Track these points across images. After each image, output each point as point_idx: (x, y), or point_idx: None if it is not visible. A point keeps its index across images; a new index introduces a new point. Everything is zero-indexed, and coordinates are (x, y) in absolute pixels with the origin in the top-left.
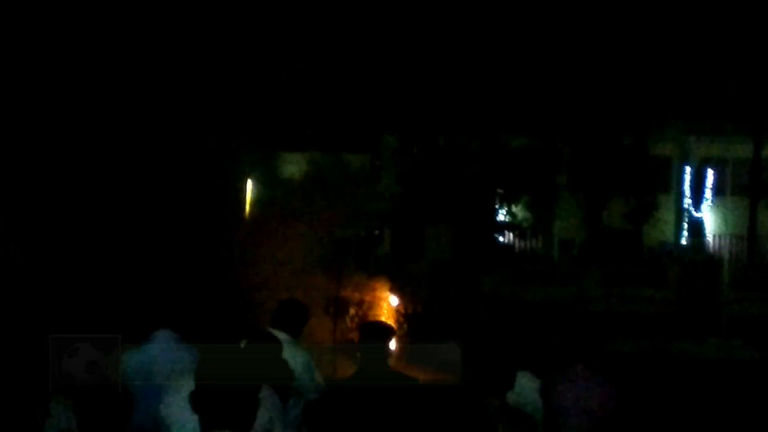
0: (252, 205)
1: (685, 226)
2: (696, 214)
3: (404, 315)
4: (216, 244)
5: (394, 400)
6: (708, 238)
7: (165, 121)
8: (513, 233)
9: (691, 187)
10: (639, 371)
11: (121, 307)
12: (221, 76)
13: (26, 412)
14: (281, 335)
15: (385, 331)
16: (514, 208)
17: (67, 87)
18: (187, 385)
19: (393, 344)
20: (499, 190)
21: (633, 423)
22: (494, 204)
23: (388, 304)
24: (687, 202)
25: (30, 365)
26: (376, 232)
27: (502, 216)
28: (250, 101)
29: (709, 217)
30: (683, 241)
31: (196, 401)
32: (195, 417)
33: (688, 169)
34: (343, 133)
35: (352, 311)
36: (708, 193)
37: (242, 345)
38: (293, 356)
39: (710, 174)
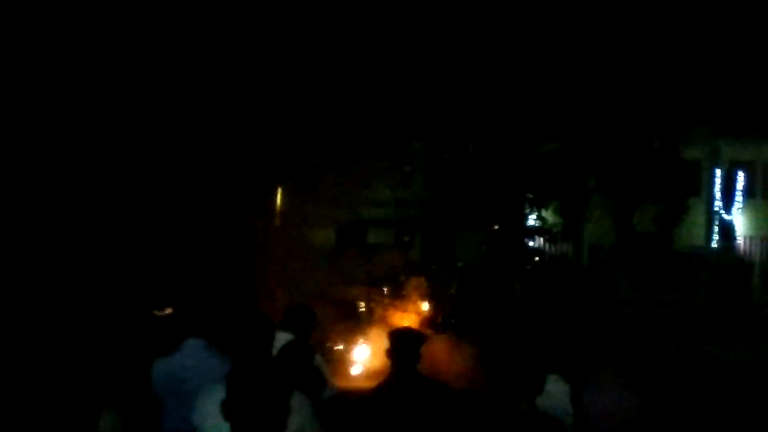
0: (281, 213)
1: (716, 229)
2: (726, 217)
3: (435, 321)
4: (246, 252)
5: (424, 407)
6: (738, 241)
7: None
8: (543, 238)
9: (721, 190)
10: (670, 374)
11: (151, 315)
12: (256, 88)
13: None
14: (286, 336)
15: (416, 338)
16: (544, 213)
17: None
18: (219, 393)
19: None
20: (529, 195)
21: (663, 425)
22: (524, 209)
23: (419, 310)
24: (717, 205)
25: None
26: (407, 238)
27: (532, 221)
28: (280, 111)
29: (739, 219)
30: (714, 244)
31: (228, 409)
32: (227, 425)
33: (718, 172)
34: (373, 140)
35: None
36: (738, 196)
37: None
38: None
39: (740, 177)
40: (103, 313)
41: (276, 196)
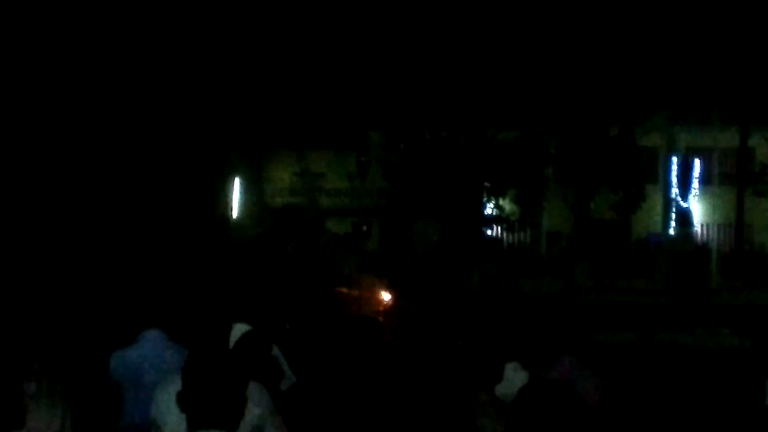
0: (240, 203)
1: (673, 216)
2: (683, 204)
3: (393, 310)
4: (203, 242)
5: (381, 396)
6: (696, 228)
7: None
8: (501, 226)
9: (678, 177)
10: (628, 361)
11: (108, 306)
12: (209, 76)
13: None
14: (244, 327)
15: (372, 327)
16: (501, 202)
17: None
18: (176, 385)
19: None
20: (487, 184)
21: (622, 413)
22: (481, 198)
23: (377, 300)
24: (674, 192)
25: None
26: (364, 227)
27: (489, 209)
28: (236, 100)
29: (696, 206)
30: (671, 231)
31: (183, 400)
32: (184, 417)
33: (675, 159)
34: (330, 130)
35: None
36: (695, 183)
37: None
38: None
39: (697, 164)
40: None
41: (231, 185)
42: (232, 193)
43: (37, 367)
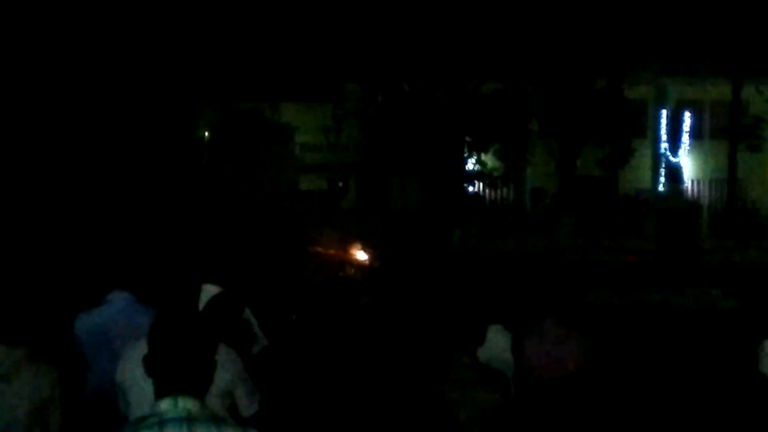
0: (210, 156)
1: (663, 171)
2: (673, 159)
3: (371, 269)
4: (172, 196)
5: (359, 360)
6: (686, 184)
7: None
8: (483, 183)
9: (667, 131)
10: (615, 322)
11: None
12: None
13: None
14: (213, 288)
15: (349, 288)
16: (483, 157)
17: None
18: (143, 349)
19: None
20: (468, 138)
21: (609, 376)
22: (463, 153)
23: (354, 260)
24: (664, 146)
25: None
26: (340, 184)
27: (471, 165)
28: (205, 50)
29: (687, 161)
30: (661, 188)
31: (150, 364)
32: (150, 382)
33: (664, 112)
34: (304, 82)
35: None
36: (685, 137)
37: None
38: None
39: (687, 117)
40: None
41: (203, 137)
42: (202, 145)
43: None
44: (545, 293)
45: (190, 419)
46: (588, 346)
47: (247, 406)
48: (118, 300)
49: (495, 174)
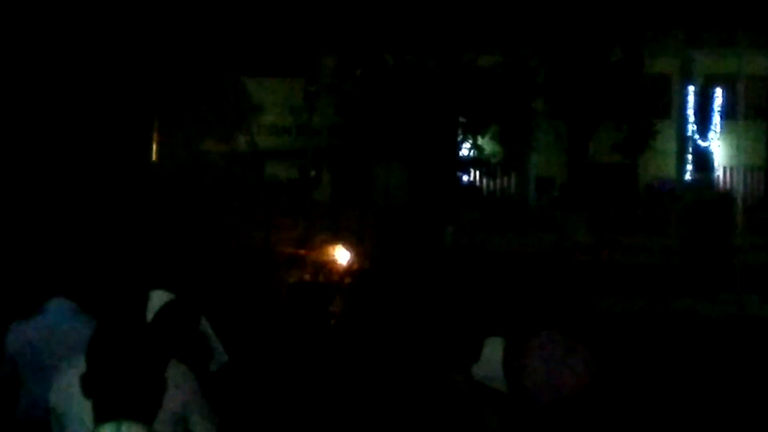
0: (161, 144)
1: (690, 158)
2: (702, 143)
3: (349, 274)
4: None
5: (333, 377)
6: (717, 172)
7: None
8: (479, 171)
9: (695, 110)
10: (634, 334)
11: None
12: None
13: None
14: (163, 295)
15: (321, 294)
16: (480, 141)
17: None
18: (81, 366)
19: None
20: (462, 119)
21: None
22: (456, 136)
23: (329, 262)
24: (691, 128)
25: None
26: (313, 173)
27: (466, 150)
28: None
29: (717, 146)
30: (687, 177)
31: (88, 384)
32: (89, 403)
33: (691, 89)
34: (271, 53)
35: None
36: (716, 118)
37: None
38: None
39: (718, 94)
40: None
41: (152, 126)
42: (151, 133)
43: None
44: (550, 300)
45: None
46: (595, 364)
47: None
48: (56, 309)
49: (494, 161)
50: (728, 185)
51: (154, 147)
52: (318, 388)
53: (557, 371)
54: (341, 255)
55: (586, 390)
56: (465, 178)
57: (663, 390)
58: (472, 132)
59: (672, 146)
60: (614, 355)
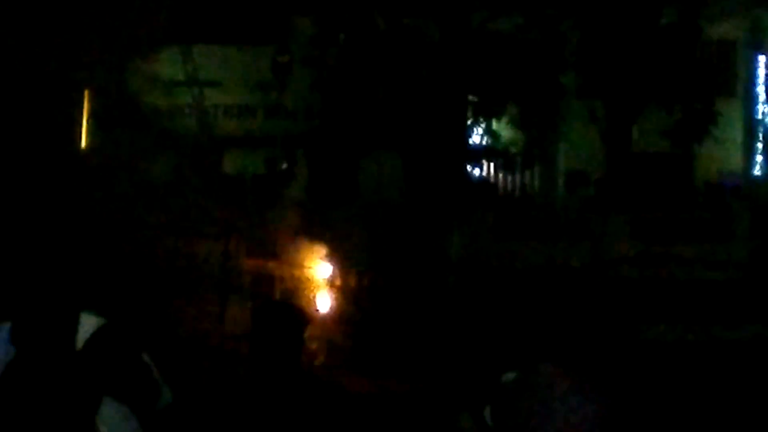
0: (93, 128)
1: (760, 147)
2: None
3: (335, 291)
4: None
5: (312, 420)
6: None
7: None
8: (495, 163)
9: (766, 87)
10: (688, 369)
11: None
12: None
13: None
14: (97, 320)
15: (294, 319)
16: (495, 126)
17: None
18: None
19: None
20: (473, 98)
21: None
22: (465, 120)
23: (305, 277)
24: (761, 110)
25: None
26: (284, 165)
27: (477, 138)
28: None
29: None
30: (757, 171)
31: (4, 425)
32: None
33: (762, 60)
34: (232, 16)
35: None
36: None
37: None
38: None
39: None
40: None
41: (81, 104)
42: (81, 115)
43: None
44: (585, 325)
45: None
46: (607, 407)
47: None
48: None
49: (512, 151)
50: None
51: (83, 135)
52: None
53: (553, 416)
54: (321, 270)
55: None
56: (476, 172)
57: None
58: (485, 114)
59: (738, 132)
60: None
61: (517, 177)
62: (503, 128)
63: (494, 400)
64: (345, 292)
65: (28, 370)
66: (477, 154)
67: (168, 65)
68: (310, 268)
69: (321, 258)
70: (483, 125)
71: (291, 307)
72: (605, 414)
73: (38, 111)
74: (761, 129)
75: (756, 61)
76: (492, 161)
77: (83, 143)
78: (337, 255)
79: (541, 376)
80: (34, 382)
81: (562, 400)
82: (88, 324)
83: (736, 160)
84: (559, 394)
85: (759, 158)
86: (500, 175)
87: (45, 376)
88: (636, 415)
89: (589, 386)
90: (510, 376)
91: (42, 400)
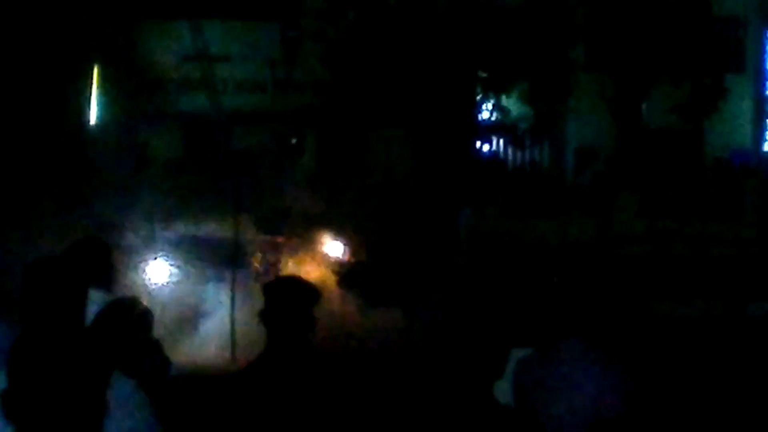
0: (103, 103)
1: None
2: None
3: (344, 267)
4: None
5: (318, 395)
6: None
7: None
8: (504, 139)
9: None
10: (699, 346)
11: None
12: None
13: None
14: (107, 295)
15: (304, 294)
16: (504, 101)
17: None
18: (0, 382)
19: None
20: (482, 73)
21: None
22: (474, 94)
23: (317, 253)
24: None
25: None
26: (294, 140)
27: (486, 113)
28: None
29: None
30: (766, 147)
31: (8, 404)
32: (11, 430)
33: None
34: None
35: (257, 264)
36: None
37: None
38: None
39: None
40: None
41: (89, 78)
42: (89, 91)
43: None
44: (596, 301)
45: None
46: (630, 382)
47: None
48: None
49: (522, 126)
50: None
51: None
52: (296, 409)
53: (575, 391)
54: (333, 248)
55: (616, 414)
56: (486, 148)
57: (731, 415)
58: (494, 90)
59: (747, 108)
60: (672, 372)
61: (527, 153)
62: (513, 103)
63: (512, 375)
64: (354, 269)
65: (37, 345)
66: (486, 130)
67: (177, 40)
68: (319, 244)
69: (330, 236)
70: (492, 101)
71: (301, 283)
72: (629, 387)
73: (46, 84)
74: None
75: (765, 37)
76: (501, 137)
77: (92, 117)
78: (343, 232)
79: (562, 351)
80: (43, 359)
81: (587, 375)
82: (98, 300)
83: (745, 136)
84: (583, 369)
85: None
86: (509, 151)
87: (52, 353)
88: (654, 388)
89: (608, 363)
90: (520, 352)
91: (51, 375)
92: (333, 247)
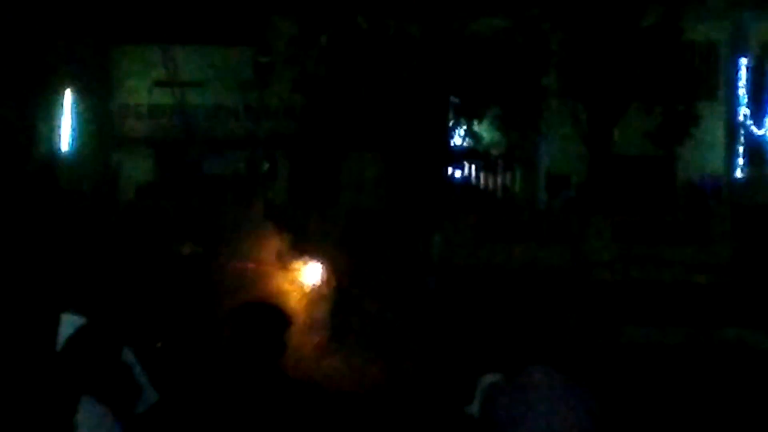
0: (73, 129)
1: (741, 149)
2: (757, 132)
3: (314, 294)
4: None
5: (288, 425)
6: None
7: None
8: (476, 165)
9: (748, 90)
10: (669, 371)
11: None
12: None
13: None
14: (77, 319)
15: (274, 320)
16: (477, 127)
17: None
18: None
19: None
20: (454, 99)
21: None
22: (446, 121)
23: (288, 278)
24: (743, 113)
25: None
26: (266, 165)
27: (459, 139)
28: None
29: None
30: (738, 173)
31: None
32: None
33: (743, 62)
34: (211, 15)
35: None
36: None
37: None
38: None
39: None
40: None
41: (59, 104)
42: (60, 117)
43: None
44: (565, 328)
45: None
46: (598, 406)
47: None
48: None
49: (494, 152)
50: None
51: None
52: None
53: (544, 416)
54: (311, 272)
55: None
56: (458, 173)
57: None
58: (466, 116)
59: (719, 135)
60: (642, 397)
61: (499, 179)
62: (485, 129)
63: (481, 400)
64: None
65: (5, 370)
66: (458, 156)
67: (149, 65)
68: (296, 269)
69: (305, 260)
70: (465, 127)
71: (271, 308)
72: (595, 414)
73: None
74: (742, 131)
75: (738, 63)
76: (473, 163)
77: (64, 144)
78: (317, 257)
79: (530, 377)
80: (12, 383)
81: (554, 401)
82: (69, 324)
83: (717, 163)
84: (551, 395)
85: (740, 161)
86: (482, 177)
87: (22, 377)
88: (621, 415)
89: (578, 387)
90: (489, 377)
91: (20, 399)
92: (303, 273)
